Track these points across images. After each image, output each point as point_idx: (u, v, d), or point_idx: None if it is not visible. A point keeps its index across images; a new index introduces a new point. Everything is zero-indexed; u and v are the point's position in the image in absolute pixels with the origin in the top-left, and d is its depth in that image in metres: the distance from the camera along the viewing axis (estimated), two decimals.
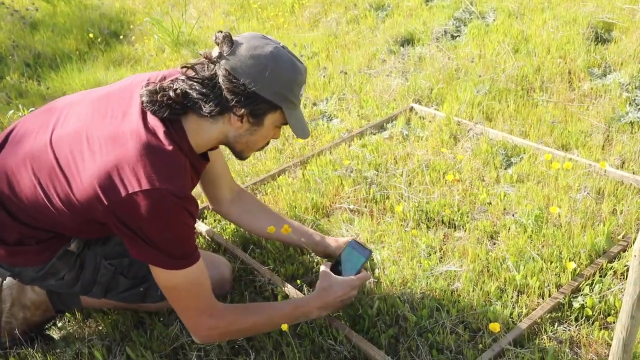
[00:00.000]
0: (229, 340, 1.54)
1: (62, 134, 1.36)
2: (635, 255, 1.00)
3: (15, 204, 1.39)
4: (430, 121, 2.66)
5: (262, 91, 1.31)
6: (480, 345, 1.50)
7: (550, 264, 1.73)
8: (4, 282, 1.63)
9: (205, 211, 2.13)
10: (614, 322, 1.55)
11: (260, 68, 1.30)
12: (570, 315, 1.59)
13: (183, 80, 1.33)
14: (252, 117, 1.36)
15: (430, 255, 1.82)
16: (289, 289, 1.69)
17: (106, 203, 1.25)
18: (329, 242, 1.74)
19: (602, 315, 1.58)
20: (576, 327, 1.55)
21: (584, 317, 1.57)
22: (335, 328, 1.55)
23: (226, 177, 1.79)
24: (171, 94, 1.31)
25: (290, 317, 1.49)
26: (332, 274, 1.55)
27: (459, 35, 3.56)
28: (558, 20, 3.37)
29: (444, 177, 2.19)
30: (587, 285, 1.66)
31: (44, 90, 3.65)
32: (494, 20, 3.61)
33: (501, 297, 1.65)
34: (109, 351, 1.60)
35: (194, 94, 1.32)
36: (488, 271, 1.74)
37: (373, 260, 1.79)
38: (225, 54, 1.30)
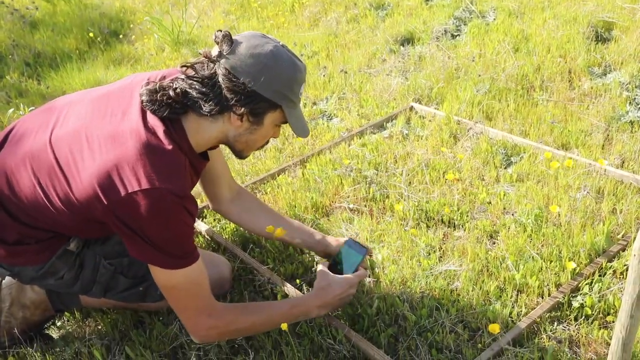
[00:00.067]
0: (228, 339, 1.54)
1: (61, 134, 1.35)
2: (634, 255, 1.00)
3: (14, 204, 1.38)
4: (430, 120, 2.66)
5: (262, 90, 1.31)
6: (480, 345, 1.50)
7: (550, 263, 1.73)
8: (4, 281, 1.63)
9: (205, 210, 2.13)
10: (613, 322, 1.55)
11: (260, 67, 1.30)
12: (570, 315, 1.59)
13: (183, 79, 1.33)
14: (252, 116, 1.36)
15: (429, 254, 1.82)
16: (289, 288, 1.69)
17: (106, 202, 1.25)
18: (330, 241, 1.74)
19: (601, 315, 1.58)
20: (575, 326, 1.55)
21: (583, 317, 1.57)
22: (334, 327, 1.55)
23: (226, 177, 1.79)
24: (171, 93, 1.30)
25: (290, 317, 1.49)
26: (330, 273, 1.55)
27: (459, 35, 3.56)
28: (558, 19, 3.37)
29: (443, 176, 2.19)
30: (586, 284, 1.66)
31: (44, 89, 3.65)
32: (494, 19, 3.61)
33: (500, 296, 1.65)
34: (108, 350, 1.60)
35: (194, 93, 1.31)
36: (487, 270, 1.74)
37: (372, 258, 1.79)
38: (225, 53, 1.30)
